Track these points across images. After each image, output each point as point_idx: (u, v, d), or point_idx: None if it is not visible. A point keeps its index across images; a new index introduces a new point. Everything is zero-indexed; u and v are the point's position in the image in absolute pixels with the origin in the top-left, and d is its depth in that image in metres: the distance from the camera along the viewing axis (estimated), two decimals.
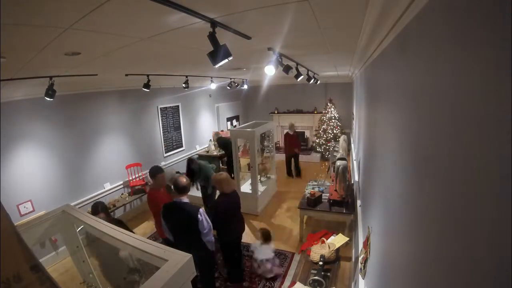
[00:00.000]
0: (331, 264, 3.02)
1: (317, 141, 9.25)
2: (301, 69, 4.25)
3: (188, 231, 2.77)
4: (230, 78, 7.25)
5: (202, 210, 2.77)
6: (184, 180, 2.82)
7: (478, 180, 0.47)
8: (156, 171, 3.46)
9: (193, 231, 2.75)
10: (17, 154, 3.91)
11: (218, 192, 3.61)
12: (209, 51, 1.75)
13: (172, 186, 2.91)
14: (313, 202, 4.39)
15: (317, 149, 9.25)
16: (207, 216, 2.83)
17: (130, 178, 5.77)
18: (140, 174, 5.96)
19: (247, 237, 4.72)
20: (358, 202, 4.05)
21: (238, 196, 3.53)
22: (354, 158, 6.51)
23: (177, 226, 2.81)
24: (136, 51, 2.33)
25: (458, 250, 0.55)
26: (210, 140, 8.47)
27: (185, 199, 2.80)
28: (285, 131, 6.99)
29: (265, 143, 6.69)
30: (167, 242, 3.30)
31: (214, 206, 3.30)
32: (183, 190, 2.79)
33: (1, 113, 3.59)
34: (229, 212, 3.32)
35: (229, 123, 10.04)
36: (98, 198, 5.16)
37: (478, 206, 0.46)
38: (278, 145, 9.99)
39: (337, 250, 3.16)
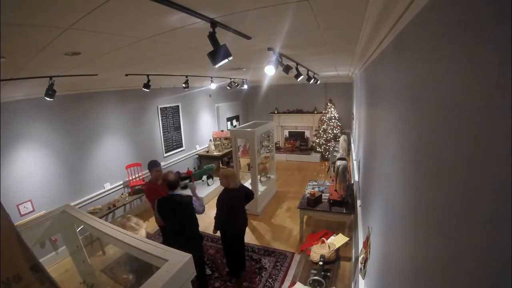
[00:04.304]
0: (331, 264, 3.02)
1: (317, 141, 9.25)
2: (301, 69, 4.25)
3: (183, 220, 3.01)
4: (230, 78, 7.25)
5: (194, 198, 3.10)
6: (172, 176, 3.10)
7: (478, 180, 0.47)
8: (152, 165, 3.70)
9: (187, 220, 3.02)
10: (17, 154, 3.90)
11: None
12: (209, 51, 1.75)
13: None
14: (313, 202, 4.39)
15: (317, 149, 9.25)
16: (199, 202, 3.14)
17: (130, 178, 5.77)
18: (140, 174, 5.96)
19: (247, 236, 4.72)
20: (358, 202, 4.05)
21: (244, 191, 3.62)
22: (354, 158, 6.51)
23: (173, 215, 3.04)
24: (136, 51, 2.33)
25: (458, 250, 0.55)
26: (210, 140, 8.47)
27: (177, 192, 3.09)
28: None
29: (265, 143, 6.68)
30: (163, 230, 3.60)
31: (218, 200, 3.44)
32: (174, 185, 3.07)
33: (1, 113, 3.59)
34: (232, 206, 3.41)
35: (229, 123, 10.04)
36: (98, 198, 5.16)
37: (478, 206, 0.46)
38: (278, 145, 10.00)
39: (337, 250, 3.16)
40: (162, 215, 3.04)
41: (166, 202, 3.02)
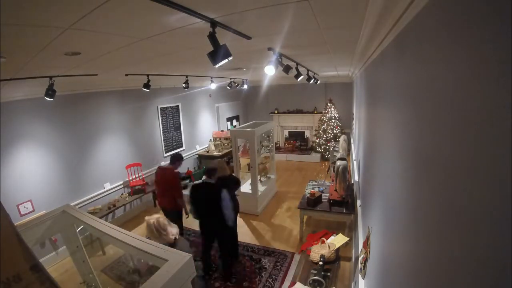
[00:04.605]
0: (331, 264, 3.02)
1: (317, 141, 9.25)
2: (301, 69, 4.25)
3: (214, 206, 3.29)
4: (230, 78, 7.25)
5: (225, 190, 3.31)
6: (212, 164, 3.49)
7: (478, 180, 0.47)
8: (179, 158, 4.16)
9: (219, 206, 3.27)
10: (17, 154, 3.90)
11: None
12: (209, 51, 1.75)
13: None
14: (313, 202, 4.39)
15: (317, 149, 9.25)
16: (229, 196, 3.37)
17: (130, 178, 5.76)
18: (140, 174, 5.95)
19: (247, 236, 4.73)
20: (358, 202, 4.05)
21: (236, 179, 4.04)
22: (354, 158, 6.51)
23: (206, 201, 3.36)
24: (136, 51, 2.33)
25: (457, 250, 0.55)
26: (210, 140, 8.47)
27: (211, 180, 3.39)
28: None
29: (265, 143, 6.68)
30: (165, 212, 4.04)
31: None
32: (210, 173, 3.41)
33: (1, 113, 3.59)
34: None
35: (229, 123, 10.04)
36: (98, 198, 5.16)
37: (478, 206, 0.46)
38: (278, 145, 10.00)
39: (337, 250, 3.16)
40: (193, 198, 3.38)
41: (200, 188, 3.34)
